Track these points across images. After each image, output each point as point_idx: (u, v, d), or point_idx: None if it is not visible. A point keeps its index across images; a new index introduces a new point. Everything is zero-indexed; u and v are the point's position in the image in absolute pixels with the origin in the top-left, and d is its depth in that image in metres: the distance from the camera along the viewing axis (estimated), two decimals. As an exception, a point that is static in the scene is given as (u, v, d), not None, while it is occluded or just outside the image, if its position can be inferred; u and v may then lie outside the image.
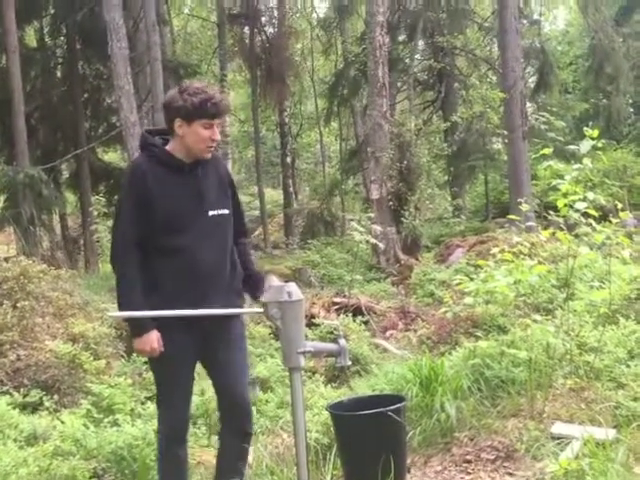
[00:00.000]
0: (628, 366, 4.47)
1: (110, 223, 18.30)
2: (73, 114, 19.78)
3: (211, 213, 3.30)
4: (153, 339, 3.24)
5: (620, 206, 5.00)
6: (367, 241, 10.10)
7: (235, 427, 3.42)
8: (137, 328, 3.27)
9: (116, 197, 20.27)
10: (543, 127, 16.47)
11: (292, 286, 3.06)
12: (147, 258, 3.27)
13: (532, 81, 24.34)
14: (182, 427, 3.43)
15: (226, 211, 3.37)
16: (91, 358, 5.94)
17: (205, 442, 4.54)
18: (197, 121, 3.21)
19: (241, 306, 3.45)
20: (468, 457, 3.95)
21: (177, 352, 3.28)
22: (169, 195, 3.26)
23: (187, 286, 3.22)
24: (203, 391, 4.70)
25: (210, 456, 4.21)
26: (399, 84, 22.25)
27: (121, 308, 3.29)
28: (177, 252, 3.24)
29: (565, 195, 4.64)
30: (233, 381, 3.42)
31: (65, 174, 21.72)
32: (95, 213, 13.52)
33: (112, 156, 23.57)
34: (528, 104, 19.63)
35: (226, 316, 3.32)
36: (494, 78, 21.63)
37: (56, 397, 5.35)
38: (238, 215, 3.51)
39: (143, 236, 3.25)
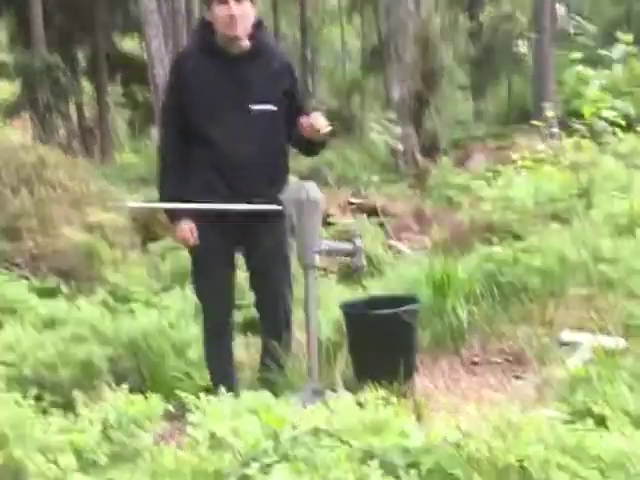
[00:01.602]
0: (642, 277, 4.45)
1: (127, 114, 18.24)
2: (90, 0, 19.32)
3: (254, 107, 3.20)
4: (184, 229, 3.25)
5: (649, 116, 4.87)
6: (386, 142, 9.98)
7: (272, 330, 3.49)
8: (170, 217, 3.31)
9: (133, 86, 20.11)
10: (573, 31, 15.94)
11: (311, 185, 3.03)
12: (187, 146, 3.25)
13: (565, -18, 23.39)
14: (220, 321, 3.47)
15: (272, 107, 3.23)
16: (107, 248, 6.00)
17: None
18: (213, 1, 3.12)
19: (278, 213, 3.39)
20: (476, 360, 4.01)
21: (209, 245, 3.29)
22: (207, 85, 3.19)
23: (214, 179, 3.21)
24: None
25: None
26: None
27: (159, 197, 3.34)
28: (209, 144, 3.20)
29: (592, 102, 4.52)
30: (270, 289, 3.46)
31: (82, 62, 21.41)
32: (112, 103, 13.40)
33: (130, 45, 23.14)
34: (558, 6, 18.95)
35: (261, 221, 3.27)
36: (525, -23, 20.80)
37: (73, 284, 5.44)
38: (300, 105, 3.34)
39: (183, 124, 3.23)
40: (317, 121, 3.09)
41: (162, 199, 3.32)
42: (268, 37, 3.41)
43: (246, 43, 3.23)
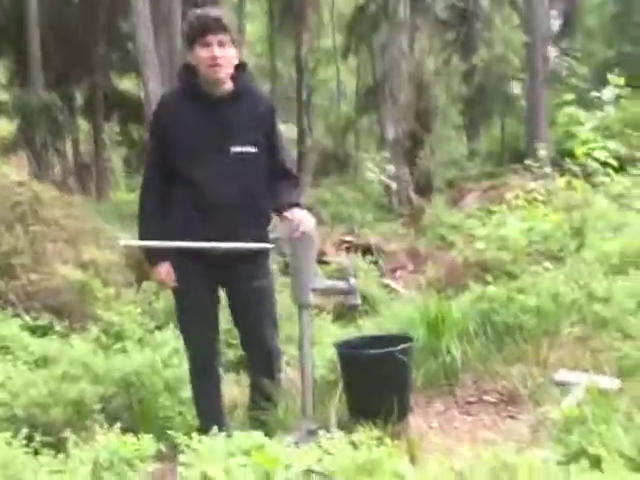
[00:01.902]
0: (636, 317, 4.46)
1: (122, 152, 18.35)
2: (89, 39, 19.54)
3: (234, 149, 3.22)
4: (162, 271, 3.27)
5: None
6: (380, 181, 10.05)
7: (258, 369, 3.48)
8: (149, 258, 3.31)
9: (130, 125, 20.24)
10: (565, 73, 16.18)
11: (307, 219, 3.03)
12: (168, 188, 3.28)
13: (556, 25, 23.81)
14: (205, 359, 3.46)
15: (252, 149, 3.25)
16: (101, 285, 5.99)
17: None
18: (195, 44, 3.16)
19: (263, 254, 3.39)
20: (471, 399, 3.99)
21: (190, 286, 3.29)
22: (189, 127, 3.22)
23: (196, 220, 3.20)
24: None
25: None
26: (420, 22, 21.79)
27: (139, 237, 3.35)
28: (192, 184, 3.21)
29: (584, 143, 4.57)
30: (253, 327, 3.44)
31: (79, 101, 21.57)
32: (108, 141, 13.48)
33: (127, 84, 23.35)
34: (551, 48, 19.23)
35: (243, 258, 3.28)
36: (517, 20, 21.16)
37: (66, 322, 5.42)
38: (276, 154, 3.35)
39: (165, 165, 3.26)
40: (304, 225, 3.05)
41: (141, 237, 3.33)
42: (250, 80, 3.43)
43: (229, 85, 3.26)
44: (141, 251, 3.57)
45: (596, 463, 2.24)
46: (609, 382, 3.50)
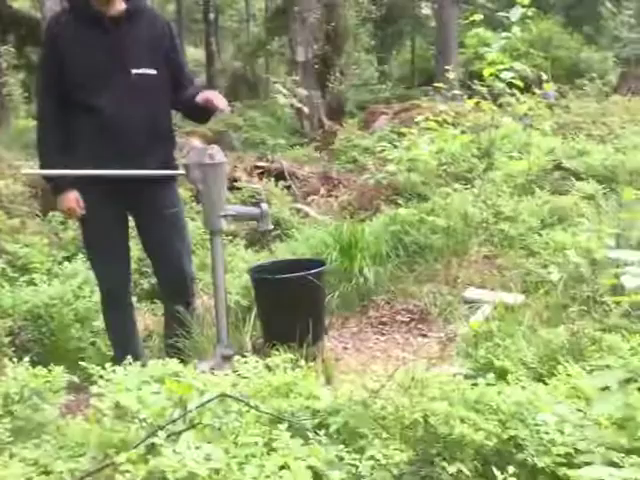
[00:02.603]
0: (540, 235, 4.63)
1: (21, 76, 17.49)
2: (-23, -46, 18.29)
3: (134, 71, 3.10)
4: (70, 199, 3.15)
5: (545, 77, 5.01)
6: (291, 105, 9.93)
7: (173, 296, 3.42)
8: (54, 188, 3.18)
9: (27, 48, 19.23)
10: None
11: (215, 149, 2.98)
12: (67, 116, 3.13)
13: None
14: (116, 288, 3.38)
15: (153, 71, 3.15)
16: (5, 217, 5.77)
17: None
18: None
19: (171, 179, 3.33)
20: (384, 319, 4.10)
21: (97, 214, 3.19)
22: (85, 50, 3.07)
23: (102, 146, 3.09)
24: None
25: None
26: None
27: (40, 167, 3.20)
28: (94, 111, 3.08)
29: (491, 64, 4.61)
30: (166, 254, 3.36)
31: (-29, 21, 20.32)
32: (5, 65, 12.76)
33: (22, 4, 22.08)
34: (460, -32, 19.17)
35: (152, 183, 3.20)
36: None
37: (-32, 255, 5.22)
38: (180, 70, 3.29)
39: (62, 93, 3.10)
40: (219, 101, 3.04)
41: (44, 168, 3.19)
42: (143, 0, 3.30)
43: (121, 6, 3.13)
44: (45, 181, 3.42)
45: (502, 375, 2.35)
46: (514, 298, 3.64)
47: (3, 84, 13.63)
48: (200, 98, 3.08)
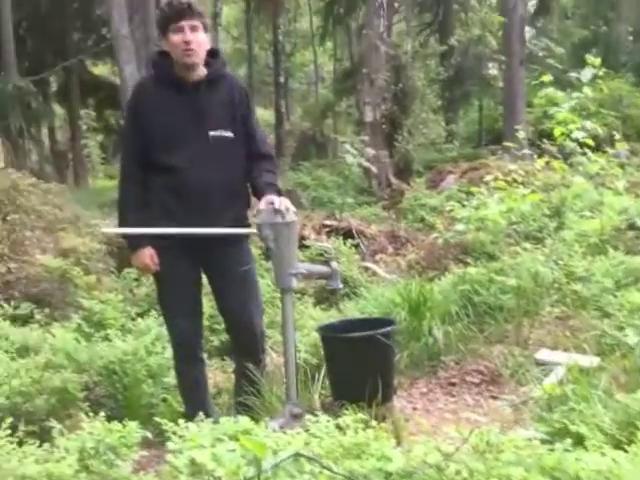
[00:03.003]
0: (615, 296, 4.51)
1: (99, 138, 18.20)
2: (62, 25, 19.29)
3: (212, 133, 3.24)
4: (145, 255, 3.25)
5: (617, 136, 4.96)
6: (359, 164, 10.04)
7: (244, 353, 3.46)
8: (130, 245, 3.31)
9: (106, 111, 20.06)
10: (542, 53, 16.22)
11: (287, 206, 3.03)
12: (146, 175, 3.27)
13: (532, 5, 23.83)
14: (188, 343, 3.44)
15: (230, 134, 3.27)
16: (82, 273, 5.95)
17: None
18: (168, 30, 3.19)
19: (244, 237, 3.40)
20: (453, 380, 4.03)
21: (172, 271, 3.29)
22: (166, 113, 3.23)
23: (178, 205, 3.20)
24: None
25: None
26: (397, 4, 21.71)
27: (119, 225, 3.34)
28: (171, 171, 3.21)
29: (562, 123, 4.59)
30: (238, 311, 3.42)
31: (54, 87, 21.32)
32: (84, 127, 13.31)
33: (102, 69, 23.10)
34: (527, 29, 19.26)
35: (226, 242, 3.28)
36: (494, 1, 21.15)
37: (47, 311, 5.37)
38: (252, 138, 3.38)
39: (143, 154, 3.26)
40: (281, 206, 3.00)
41: (122, 225, 3.32)
42: (223, 65, 3.44)
43: (202, 71, 3.28)
44: (123, 238, 3.55)
45: (579, 441, 2.28)
46: (589, 360, 3.55)
47: (83, 146, 14.19)
48: (265, 200, 3.07)
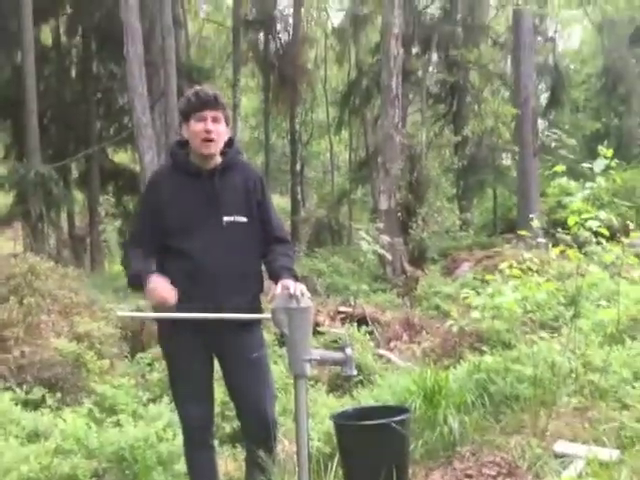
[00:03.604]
0: (633, 387, 4.44)
1: (117, 224, 18.45)
2: (85, 114, 19.89)
3: (226, 219, 3.29)
4: (157, 283, 3.13)
5: (632, 226, 4.97)
6: (374, 251, 10.09)
7: (255, 440, 3.40)
8: (138, 280, 3.19)
9: (125, 197, 20.41)
10: (554, 144, 16.46)
11: (302, 292, 3.04)
12: (162, 259, 3.30)
13: (544, 98, 24.37)
14: (199, 428, 3.42)
15: (244, 219, 3.32)
16: (95, 357, 5.96)
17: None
18: (191, 118, 3.29)
19: (257, 323, 3.41)
20: (470, 472, 3.93)
21: (183, 354, 3.28)
22: (182, 200, 3.30)
23: (190, 288, 3.20)
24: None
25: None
26: (411, 96, 22.27)
27: (130, 281, 3.32)
28: (184, 254, 3.25)
29: (576, 212, 4.62)
30: (250, 397, 3.39)
31: (75, 173, 21.78)
32: (103, 213, 13.52)
33: (122, 157, 23.63)
34: (539, 121, 19.64)
35: (239, 327, 3.29)
36: (506, 93, 21.66)
37: (59, 395, 5.36)
38: (269, 223, 3.42)
39: (157, 240, 3.29)
40: (296, 291, 3.00)
41: (129, 273, 3.30)
42: (238, 153, 3.52)
43: (218, 160, 3.37)
44: (129, 278, 3.37)
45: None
46: (609, 453, 3.46)
47: (101, 231, 14.38)
48: (280, 284, 3.09)
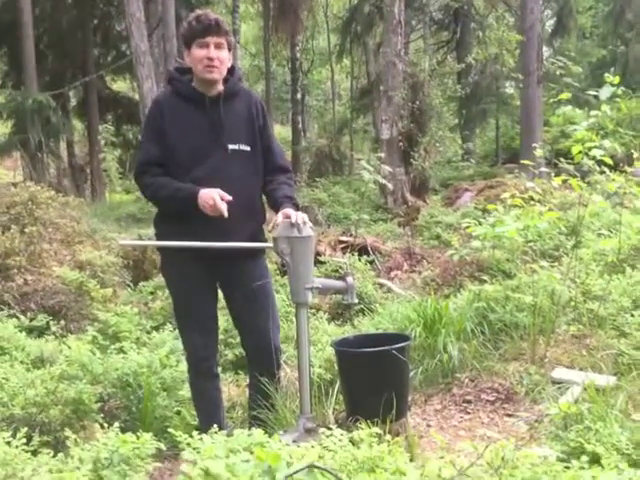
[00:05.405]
0: (632, 315, 4.47)
1: (117, 153, 18.33)
2: (82, 40, 19.50)
3: (230, 147, 3.27)
4: (208, 191, 3.11)
5: (636, 155, 4.93)
6: (375, 181, 10.05)
7: (259, 367, 3.46)
8: (191, 199, 3.17)
9: (125, 126, 20.23)
10: (559, 72, 16.20)
11: (304, 221, 3.03)
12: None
13: (550, 24, 23.89)
14: (203, 358, 3.45)
15: (247, 147, 3.31)
16: (98, 286, 5.99)
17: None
18: (193, 44, 3.22)
19: (261, 252, 3.43)
20: (468, 397, 4.00)
21: (188, 285, 3.30)
22: (185, 128, 3.25)
23: (196, 219, 3.19)
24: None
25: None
26: (414, 23, 21.85)
27: (167, 204, 3.28)
28: (192, 182, 3.21)
29: (580, 141, 4.57)
30: (254, 325, 3.42)
31: (73, 101, 21.54)
32: (103, 142, 13.41)
33: (121, 85, 23.32)
34: (545, 48, 19.29)
35: (243, 256, 3.30)
36: (511, 20, 21.18)
37: (62, 322, 5.41)
38: (270, 151, 3.41)
39: (161, 163, 3.26)
40: (297, 220, 3.01)
41: (162, 195, 3.25)
42: (239, 80, 3.47)
43: (220, 87, 3.32)
44: (162, 200, 3.33)
45: (595, 460, 2.26)
46: (605, 379, 3.51)
47: (101, 160, 14.28)
48: (281, 214, 3.10)
